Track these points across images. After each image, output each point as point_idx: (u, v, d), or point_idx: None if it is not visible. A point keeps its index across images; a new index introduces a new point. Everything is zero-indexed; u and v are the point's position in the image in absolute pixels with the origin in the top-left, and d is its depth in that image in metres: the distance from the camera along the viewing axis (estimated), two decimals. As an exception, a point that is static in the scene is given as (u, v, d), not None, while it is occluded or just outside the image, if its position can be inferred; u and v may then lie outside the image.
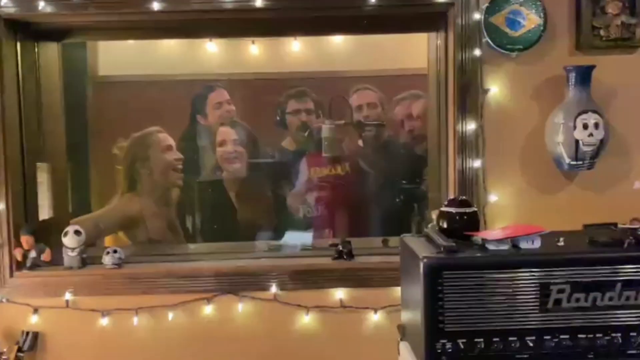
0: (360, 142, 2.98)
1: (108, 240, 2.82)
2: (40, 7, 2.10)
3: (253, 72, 3.11)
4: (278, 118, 3.02)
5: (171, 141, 2.84)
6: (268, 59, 3.03)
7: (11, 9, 2.11)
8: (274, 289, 2.19)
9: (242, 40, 2.94)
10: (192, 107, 3.09)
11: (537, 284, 1.55)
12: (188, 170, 2.95)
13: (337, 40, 2.83)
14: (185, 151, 2.93)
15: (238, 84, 3.14)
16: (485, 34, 2.11)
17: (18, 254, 2.18)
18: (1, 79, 2.14)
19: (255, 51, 2.94)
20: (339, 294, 2.20)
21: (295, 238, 2.54)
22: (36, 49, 2.32)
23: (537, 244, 1.62)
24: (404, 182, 2.93)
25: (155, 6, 2.10)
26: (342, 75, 3.15)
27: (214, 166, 3.01)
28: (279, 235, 2.67)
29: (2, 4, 2.09)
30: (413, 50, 2.63)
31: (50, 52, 2.36)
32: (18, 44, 2.22)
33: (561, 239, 1.67)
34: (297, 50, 2.90)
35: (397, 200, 2.94)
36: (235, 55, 3.01)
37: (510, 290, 1.55)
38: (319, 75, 3.14)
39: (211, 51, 2.87)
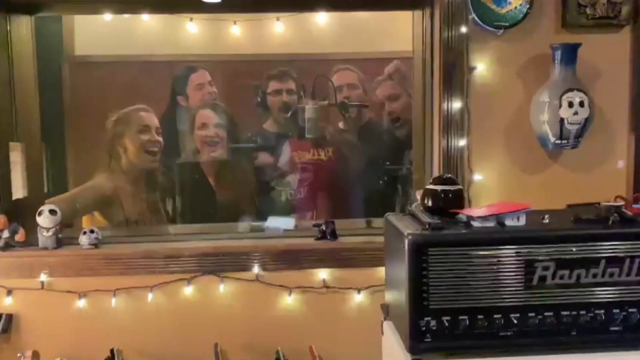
0: (342, 124, 2.95)
1: (85, 221, 2.77)
2: (10, -23, 2.03)
3: (234, 54, 3.06)
4: (259, 99, 2.98)
5: (151, 122, 2.79)
6: (250, 40, 2.97)
7: (-21, -21, 2.03)
8: (256, 269, 2.16)
9: (223, 21, 2.88)
10: (172, 89, 3.04)
11: (522, 261, 1.54)
12: (167, 152, 2.89)
13: (320, 22, 2.78)
14: (164, 133, 2.88)
15: (219, 65, 3.09)
16: (471, 10, 2.08)
17: (-10, 234, 2.12)
18: (-30, 54, 2.06)
19: (236, 32, 2.87)
20: (322, 274, 2.18)
21: (278, 222, 2.51)
22: (8, 23, 2.23)
23: (522, 221, 1.61)
24: (387, 163, 2.91)
25: (133, -22, 2.04)
26: (326, 58, 3.12)
27: (194, 149, 2.96)
28: (260, 219, 2.63)
29: (-31, -28, 2.01)
30: (398, 32, 2.60)
31: (23, 27, 2.28)
32: (-12, 17, 2.14)
33: (546, 216, 1.66)
34: (279, 32, 2.85)
35: (381, 182, 2.93)
36: (216, 36, 2.95)
37: (495, 267, 1.54)
38: (302, 57, 3.11)
39: (191, 31, 2.80)
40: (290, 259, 2.16)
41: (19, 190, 2.25)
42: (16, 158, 2.26)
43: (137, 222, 2.74)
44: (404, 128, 2.82)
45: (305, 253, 2.17)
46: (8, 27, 2.23)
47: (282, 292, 2.17)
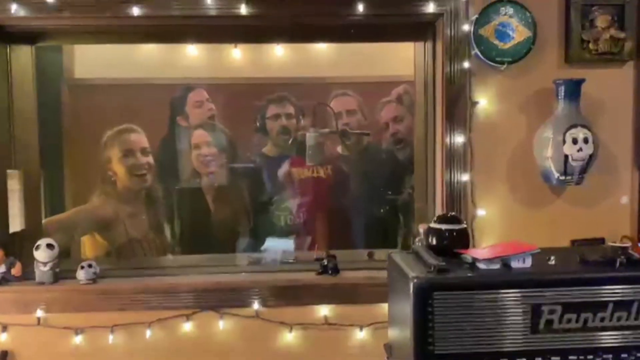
0: (344, 150, 2.94)
1: (86, 241, 2.73)
2: (12, 11, 2.02)
3: (234, 77, 3.05)
4: (258, 124, 2.97)
5: (138, 144, 2.75)
6: (250, 64, 2.97)
7: (-19, 12, 2.01)
8: (255, 305, 2.13)
9: (224, 45, 2.88)
10: (171, 110, 3.02)
11: (528, 305, 1.52)
12: (167, 175, 2.86)
13: (321, 46, 2.78)
14: (165, 156, 2.85)
15: (219, 89, 3.08)
16: (474, 45, 2.08)
17: (-14, 268, 2.08)
18: (-29, 84, 2.05)
19: (237, 56, 2.87)
20: (324, 310, 2.15)
21: (276, 246, 2.48)
22: (8, 52, 2.22)
23: (528, 263, 1.59)
24: (389, 192, 2.89)
25: (135, 11, 2.03)
26: (326, 82, 3.11)
27: (192, 171, 2.94)
28: (258, 244, 2.60)
29: (-28, 7, 2.00)
30: (399, 58, 2.60)
31: (23, 56, 2.26)
32: (-11, 48, 2.13)
33: (552, 257, 1.64)
34: (280, 56, 2.85)
35: (382, 210, 2.90)
36: (217, 59, 2.95)
37: (501, 311, 1.52)
38: (303, 81, 3.10)
39: (192, 55, 2.79)
40: (291, 294, 2.13)
41: (16, 222, 2.22)
42: (14, 187, 2.23)
43: (140, 240, 2.70)
44: (406, 150, 2.81)
45: (306, 289, 2.14)
46: (8, 57, 2.22)
47: (283, 328, 2.14)
